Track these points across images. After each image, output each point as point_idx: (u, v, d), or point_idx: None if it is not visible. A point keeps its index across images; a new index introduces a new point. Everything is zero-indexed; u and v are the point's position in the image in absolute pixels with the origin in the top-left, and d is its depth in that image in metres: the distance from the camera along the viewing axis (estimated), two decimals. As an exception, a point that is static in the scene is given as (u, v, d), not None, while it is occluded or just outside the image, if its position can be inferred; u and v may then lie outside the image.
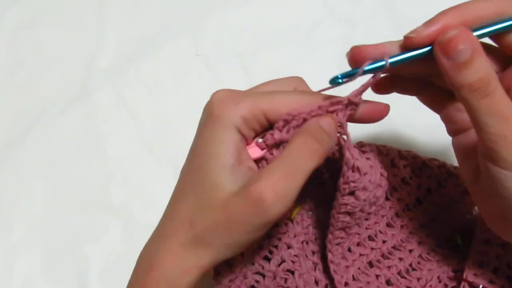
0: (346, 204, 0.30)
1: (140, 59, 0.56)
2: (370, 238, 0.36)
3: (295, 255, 0.32)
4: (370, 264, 0.35)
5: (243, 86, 0.32)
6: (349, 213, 0.31)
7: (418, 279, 0.35)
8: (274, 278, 0.31)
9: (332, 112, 0.29)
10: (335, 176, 0.36)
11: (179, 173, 0.30)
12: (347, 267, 0.34)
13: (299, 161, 0.26)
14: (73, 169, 0.50)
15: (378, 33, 0.54)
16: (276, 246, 0.32)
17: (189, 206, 0.28)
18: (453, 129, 0.32)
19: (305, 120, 0.28)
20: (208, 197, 0.27)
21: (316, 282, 0.33)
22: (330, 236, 0.32)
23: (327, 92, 0.30)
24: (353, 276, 0.34)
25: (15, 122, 0.53)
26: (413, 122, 0.47)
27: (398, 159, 0.35)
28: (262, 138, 0.30)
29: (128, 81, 0.55)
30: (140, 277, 0.29)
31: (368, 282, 0.34)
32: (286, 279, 0.31)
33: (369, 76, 0.28)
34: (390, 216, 0.36)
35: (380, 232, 0.36)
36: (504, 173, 0.25)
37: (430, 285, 0.35)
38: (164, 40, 0.57)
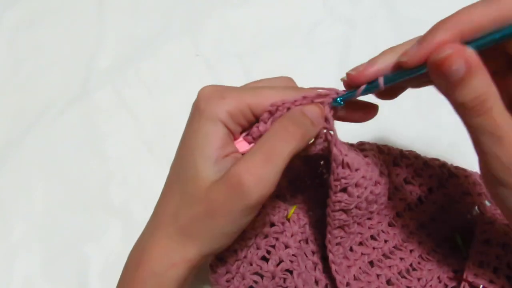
0: (339, 202, 0.30)
1: (140, 59, 0.56)
2: (372, 237, 0.35)
3: (293, 255, 0.32)
4: (371, 264, 0.35)
5: (243, 86, 0.32)
6: (344, 211, 0.31)
7: (418, 279, 0.35)
8: (273, 278, 0.31)
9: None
10: None
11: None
12: (348, 266, 0.34)
13: (276, 144, 0.26)
14: (73, 169, 0.50)
15: (378, 33, 0.54)
16: (273, 246, 0.32)
17: (174, 200, 0.28)
18: None
19: (289, 109, 0.28)
20: (191, 189, 0.27)
21: (316, 282, 0.33)
22: (329, 236, 0.32)
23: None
24: (354, 275, 0.34)
25: (15, 122, 0.53)
26: (413, 122, 0.47)
27: (400, 159, 0.35)
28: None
29: (128, 81, 0.55)
30: (129, 272, 0.29)
31: (369, 282, 0.34)
32: (285, 279, 0.31)
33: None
34: (392, 216, 0.36)
35: (383, 231, 0.36)
36: (502, 191, 0.25)
37: (430, 285, 0.35)
38: (164, 40, 0.57)
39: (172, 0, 0.59)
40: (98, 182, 0.49)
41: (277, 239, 0.32)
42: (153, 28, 0.58)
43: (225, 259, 0.32)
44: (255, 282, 0.31)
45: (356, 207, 0.31)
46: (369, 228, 0.35)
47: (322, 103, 0.29)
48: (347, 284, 0.33)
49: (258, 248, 0.32)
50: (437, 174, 0.36)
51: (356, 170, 0.29)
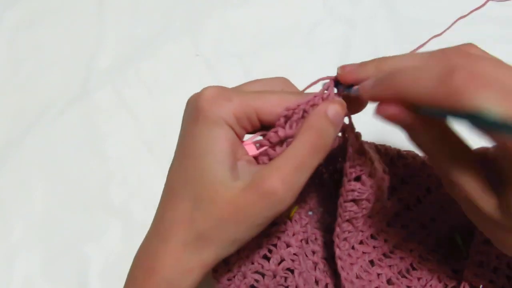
0: (353, 191, 0.30)
1: (140, 59, 0.56)
2: (372, 236, 0.35)
3: (294, 254, 0.32)
4: (372, 263, 0.35)
5: (243, 86, 0.31)
6: (355, 201, 0.31)
7: (419, 279, 0.35)
8: (274, 277, 0.31)
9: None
10: (334, 176, 0.36)
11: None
12: (351, 264, 0.34)
13: (306, 156, 0.27)
14: (73, 169, 0.50)
15: (378, 33, 0.54)
16: (275, 245, 0.32)
17: (187, 205, 0.27)
18: None
19: (305, 112, 0.28)
20: (210, 194, 0.27)
21: (317, 282, 0.33)
22: (337, 230, 0.32)
23: (314, 87, 0.30)
24: (356, 274, 0.34)
25: (15, 122, 0.53)
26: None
27: (397, 159, 0.35)
28: (260, 136, 0.30)
29: (128, 81, 0.55)
30: (139, 281, 0.28)
31: (370, 281, 0.34)
32: (286, 278, 0.31)
33: None
34: (391, 215, 0.36)
35: (382, 231, 0.36)
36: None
37: (430, 285, 0.35)
38: (164, 40, 0.57)
39: (172, 0, 0.59)
40: (98, 182, 0.49)
41: (279, 238, 0.32)
42: (153, 28, 0.58)
43: (226, 258, 0.32)
44: (256, 280, 0.31)
45: (366, 199, 0.31)
46: (369, 226, 0.35)
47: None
48: (351, 281, 0.33)
49: (259, 247, 0.32)
50: (435, 174, 0.36)
51: (370, 159, 0.30)
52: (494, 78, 0.22)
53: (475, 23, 0.52)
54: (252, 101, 0.28)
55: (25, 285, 0.45)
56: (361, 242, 0.35)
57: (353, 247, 0.34)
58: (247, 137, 0.30)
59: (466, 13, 0.52)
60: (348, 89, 0.28)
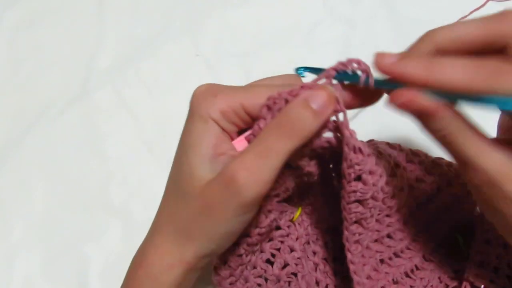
0: (355, 192, 0.28)
1: (140, 59, 0.56)
2: (389, 236, 0.34)
3: (298, 258, 0.31)
4: (381, 261, 0.34)
5: (243, 86, 0.31)
6: (360, 202, 0.29)
7: (421, 279, 0.35)
8: (278, 281, 0.31)
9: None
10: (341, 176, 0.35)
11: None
12: (363, 265, 0.33)
13: (271, 140, 0.26)
14: (73, 169, 0.50)
15: (378, 33, 0.54)
16: (278, 249, 0.32)
17: (171, 201, 0.28)
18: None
19: (287, 101, 0.26)
20: (186, 188, 0.27)
21: (317, 283, 0.33)
22: (346, 233, 0.30)
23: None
24: (367, 275, 0.33)
25: (15, 122, 0.53)
26: (412, 122, 0.47)
27: (412, 156, 0.34)
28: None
29: (128, 81, 0.55)
30: (129, 275, 0.29)
31: (377, 280, 0.33)
32: (289, 282, 0.31)
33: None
34: (408, 214, 0.35)
35: (398, 230, 0.34)
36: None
37: (431, 285, 0.34)
38: (164, 40, 0.57)
39: (172, 0, 0.59)
40: (98, 182, 0.49)
41: (282, 242, 0.32)
42: (153, 28, 0.58)
43: (229, 262, 0.31)
44: (259, 285, 0.31)
45: (372, 197, 0.29)
46: (387, 226, 0.33)
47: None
48: (362, 284, 0.32)
49: (262, 252, 0.31)
50: (445, 173, 0.35)
51: (368, 155, 0.28)
52: None
53: (475, 23, 0.52)
54: (238, 95, 0.28)
55: (25, 285, 0.45)
56: (375, 241, 0.34)
57: (367, 246, 0.33)
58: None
59: (466, 13, 0.52)
60: (354, 79, 0.27)
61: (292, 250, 0.31)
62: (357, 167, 0.27)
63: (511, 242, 0.27)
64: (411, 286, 0.34)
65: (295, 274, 0.31)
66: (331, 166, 0.32)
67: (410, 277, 0.35)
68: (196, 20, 0.57)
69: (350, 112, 0.27)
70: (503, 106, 0.22)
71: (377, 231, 0.33)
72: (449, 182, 0.35)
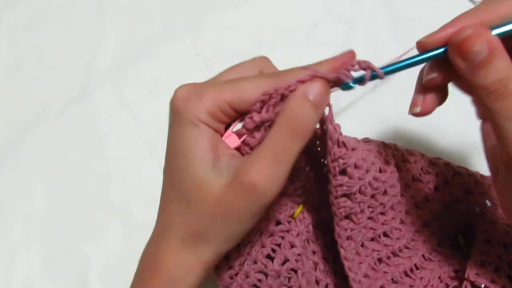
0: (341, 185, 0.29)
1: (140, 59, 0.56)
2: (385, 234, 0.34)
3: (298, 254, 0.32)
4: (380, 261, 0.34)
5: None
6: (347, 196, 0.30)
7: (421, 279, 0.35)
8: (278, 277, 0.31)
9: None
10: None
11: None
12: (360, 263, 0.33)
13: (284, 145, 0.26)
14: (73, 169, 0.50)
15: (378, 33, 0.54)
16: (279, 245, 0.32)
17: (180, 206, 0.28)
18: (482, 114, 0.31)
19: (283, 96, 0.27)
20: (198, 194, 0.27)
21: (317, 282, 0.33)
22: (337, 229, 0.31)
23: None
24: (364, 273, 0.33)
25: (15, 122, 0.53)
26: (414, 122, 0.47)
27: (407, 155, 0.35)
28: (241, 122, 0.29)
29: (128, 81, 0.55)
30: (145, 280, 0.29)
31: (376, 279, 0.33)
32: (289, 278, 0.31)
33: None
34: (404, 213, 0.35)
35: (395, 228, 0.35)
36: None
37: (432, 285, 0.34)
38: (164, 40, 0.57)
39: (172, 0, 0.59)
40: (98, 182, 0.49)
41: (283, 237, 0.32)
42: (153, 28, 0.58)
43: (228, 255, 0.31)
44: (259, 280, 0.31)
45: (359, 192, 0.30)
46: (382, 224, 0.34)
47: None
48: (359, 281, 0.32)
49: (263, 246, 0.32)
50: (442, 172, 0.35)
51: (353, 149, 0.28)
52: None
53: (475, 23, 0.52)
54: (224, 93, 0.28)
55: (25, 285, 0.45)
56: (372, 239, 0.34)
57: (362, 245, 0.34)
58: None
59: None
60: (374, 74, 0.27)
61: (292, 246, 0.32)
62: (341, 161, 0.28)
63: None
64: (410, 286, 0.34)
65: (295, 271, 0.31)
66: (322, 160, 0.33)
67: (409, 277, 0.35)
68: (196, 20, 0.57)
69: (341, 105, 0.28)
70: None
71: (372, 229, 0.34)
72: (447, 182, 0.35)
